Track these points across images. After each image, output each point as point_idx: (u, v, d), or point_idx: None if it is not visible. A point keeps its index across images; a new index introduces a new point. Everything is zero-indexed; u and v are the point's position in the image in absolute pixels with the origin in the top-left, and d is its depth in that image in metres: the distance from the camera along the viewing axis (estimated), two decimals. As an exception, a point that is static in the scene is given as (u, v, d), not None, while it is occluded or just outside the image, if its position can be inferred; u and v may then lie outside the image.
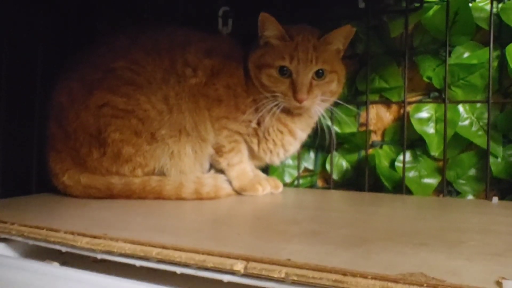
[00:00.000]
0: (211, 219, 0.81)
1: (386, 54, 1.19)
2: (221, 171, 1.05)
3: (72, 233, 0.64)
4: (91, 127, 0.98)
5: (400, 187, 1.13)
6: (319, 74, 0.98)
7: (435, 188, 1.14)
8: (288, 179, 1.29)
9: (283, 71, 0.97)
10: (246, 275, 0.51)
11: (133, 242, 0.60)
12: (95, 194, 0.97)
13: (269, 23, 0.97)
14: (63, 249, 0.64)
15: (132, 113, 0.97)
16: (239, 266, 0.51)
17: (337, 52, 1.02)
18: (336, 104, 1.07)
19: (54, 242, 0.65)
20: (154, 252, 0.57)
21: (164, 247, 0.57)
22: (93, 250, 0.61)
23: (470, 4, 1.09)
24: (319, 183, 1.29)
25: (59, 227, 0.66)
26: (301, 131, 1.07)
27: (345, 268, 0.48)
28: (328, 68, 0.98)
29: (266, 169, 1.23)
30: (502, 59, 1.08)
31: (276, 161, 1.10)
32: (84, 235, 0.64)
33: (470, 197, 1.12)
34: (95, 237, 0.63)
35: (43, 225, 0.68)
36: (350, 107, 1.15)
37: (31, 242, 0.67)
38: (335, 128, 1.23)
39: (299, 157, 1.27)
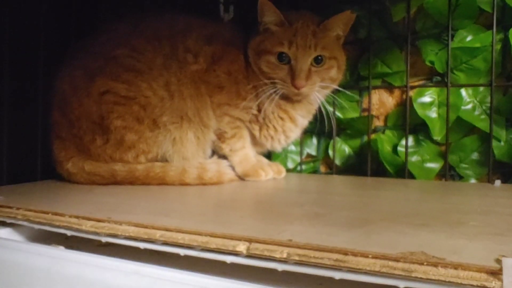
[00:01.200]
0: (214, 203, 0.82)
1: (388, 39, 1.19)
2: (223, 157, 1.06)
3: (77, 217, 0.65)
4: (94, 115, 0.98)
5: (402, 172, 1.13)
6: (318, 61, 0.97)
7: (437, 173, 1.14)
8: (290, 165, 1.30)
9: (282, 57, 0.97)
10: (248, 256, 0.52)
11: (137, 225, 0.60)
12: (99, 181, 0.98)
13: (268, 9, 0.97)
14: (68, 233, 0.65)
15: (133, 100, 0.97)
16: (242, 247, 0.52)
17: (337, 38, 1.02)
18: (338, 90, 1.07)
19: (59, 226, 0.65)
20: (158, 234, 0.58)
21: (167, 230, 0.58)
22: (97, 234, 0.62)
23: (473, -13, 1.08)
24: (322, 168, 1.29)
25: (64, 212, 0.67)
26: (302, 118, 1.07)
27: (346, 247, 0.48)
28: (328, 55, 0.98)
29: (269, 155, 1.23)
30: (505, 42, 1.07)
31: (278, 148, 1.11)
32: (88, 218, 0.64)
33: (472, 181, 1.12)
34: (99, 220, 0.63)
35: (48, 209, 0.69)
36: (350, 93, 1.15)
37: (36, 226, 0.68)
38: (338, 114, 1.23)
39: (301, 143, 1.27)
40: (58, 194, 0.90)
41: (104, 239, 0.62)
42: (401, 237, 0.54)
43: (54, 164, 1.03)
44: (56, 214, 0.67)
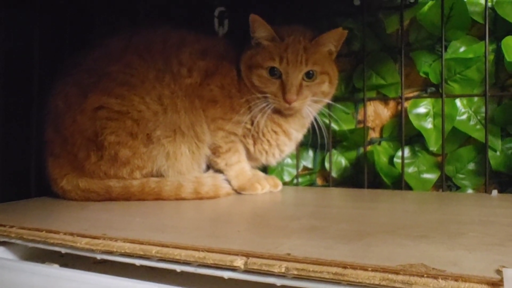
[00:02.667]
0: (210, 217, 0.81)
1: (382, 50, 1.20)
2: (219, 171, 1.05)
3: (72, 234, 0.64)
4: (88, 131, 0.98)
5: (399, 183, 1.12)
6: (309, 75, 0.98)
7: (434, 183, 1.14)
8: (287, 178, 1.29)
9: (273, 72, 0.98)
10: (246, 271, 0.51)
11: (132, 241, 0.59)
12: (94, 198, 0.97)
13: (259, 24, 0.98)
14: (63, 250, 0.64)
15: (127, 114, 0.97)
16: (239, 262, 0.51)
17: (329, 53, 1.03)
18: (333, 102, 1.07)
19: (53, 244, 0.64)
20: (154, 250, 0.57)
21: (163, 245, 0.57)
22: (92, 251, 0.61)
23: (465, -1, 1.10)
24: (319, 181, 1.29)
25: (58, 229, 0.66)
26: (296, 132, 1.07)
27: (345, 261, 0.48)
28: (319, 70, 0.99)
29: (265, 168, 1.23)
30: (498, 52, 1.08)
31: (272, 162, 1.11)
32: (83, 235, 0.63)
33: (469, 191, 1.12)
34: (94, 237, 0.62)
35: (42, 227, 0.68)
36: (343, 107, 1.15)
37: (30, 244, 0.67)
38: (333, 126, 1.23)
39: (297, 155, 1.27)
40: (52, 211, 0.89)
41: (99, 256, 0.61)
42: (400, 249, 0.53)
43: (48, 181, 1.02)
44: (50, 231, 0.66)
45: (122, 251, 0.59)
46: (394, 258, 0.49)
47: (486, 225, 0.67)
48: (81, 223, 0.73)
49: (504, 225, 0.67)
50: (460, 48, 1.12)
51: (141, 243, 0.59)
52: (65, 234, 0.65)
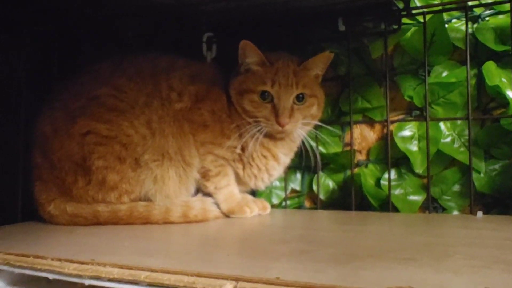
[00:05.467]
0: (199, 241, 0.81)
1: (368, 75, 1.22)
2: (208, 194, 1.05)
3: (59, 259, 0.64)
4: (76, 156, 0.97)
5: (386, 205, 1.14)
6: (300, 99, 1.00)
7: (420, 205, 1.15)
8: (275, 201, 1.29)
9: (265, 96, 0.99)
10: (236, 295, 0.51)
11: (121, 267, 0.59)
12: (82, 222, 0.96)
13: (249, 49, 0.99)
14: (50, 276, 0.63)
15: (115, 139, 0.97)
16: (229, 286, 0.51)
17: (315, 77, 1.05)
18: (320, 126, 1.09)
19: (41, 270, 0.64)
20: (143, 275, 0.56)
21: (152, 270, 0.57)
22: (80, 276, 0.60)
23: (446, 25, 1.13)
24: (307, 203, 1.30)
25: (46, 254, 0.66)
26: (284, 156, 1.08)
27: (335, 284, 0.48)
28: (308, 93, 1.01)
29: (253, 191, 1.23)
30: (480, 76, 1.11)
31: (261, 187, 1.11)
32: (71, 261, 0.63)
33: (455, 212, 1.13)
34: (82, 263, 0.62)
35: (29, 252, 0.67)
36: (332, 129, 1.17)
37: (17, 270, 0.66)
38: (321, 149, 1.24)
39: (286, 178, 1.28)
40: (39, 236, 0.87)
41: (87, 282, 0.60)
42: (388, 273, 0.54)
43: (36, 206, 1.00)
44: (37, 257, 0.65)
45: (111, 276, 0.58)
46: (382, 282, 0.49)
47: (472, 247, 0.68)
48: (69, 248, 0.72)
49: (490, 247, 0.68)
50: (443, 73, 1.15)
51: (130, 268, 0.58)
52: (52, 259, 0.64)
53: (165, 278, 0.55)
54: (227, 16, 1.18)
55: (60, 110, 1.00)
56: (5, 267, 0.67)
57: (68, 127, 0.98)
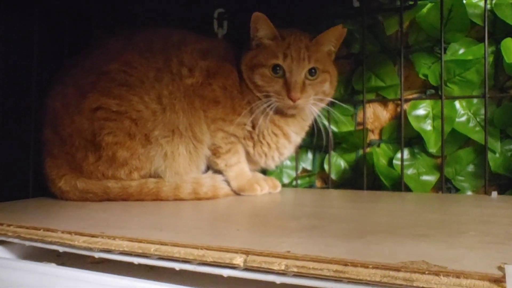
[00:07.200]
0: (209, 217, 0.81)
1: (382, 52, 1.20)
2: (218, 172, 1.05)
3: (70, 232, 0.64)
4: (86, 131, 0.97)
5: (399, 185, 1.12)
6: (312, 73, 0.98)
7: (434, 185, 1.14)
8: (286, 180, 1.29)
9: (276, 70, 0.97)
10: (246, 268, 0.51)
11: (131, 240, 0.59)
12: (92, 198, 0.97)
13: (262, 22, 0.98)
14: (61, 249, 0.63)
15: (125, 115, 0.96)
16: (239, 259, 0.51)
17: (328, 54, 1.03)
18: (332, 104, 1.07)
19: (51, 242, 0.64)
20: (153, 248, 0.56)
21: (162, 244, 0.56)
22: (90, 249, 0.60)
23: (464, 1, 1.09)
24: (318, 183, 1.29)
25: (56, 228, 0.66)
26: (295, 134, 1.07)
27: (346, 258, 0.47)
28: (321, 67, 0.99)
29: (264, 170, 1.23)
30: (497, 54, 1.08)
31: (271, 165, 1.10)
32: (81, 234, 0.63)
33: (469, 193, 1.11)
34: (92, 236, 0.62)
35: (39, 226, 0.67)
36: (347, 106, 1.15)
37: (28, 243, 0.66)
38: (333, 128, 1.23)
39: (297, 157, 1.27)
40: (50, 210, 0.88)
41: (97, 255, 0.60)
42: (401, 247, 0.53)
43: (46, 182, 1.01)
44: (48, 230, 0.66)
45: (121, 249, 0.58)
46: (395, 256, 0.48)
47: (486, 225, 0.66)
48: (79, 222, 0.72)
49: (505, 225, 0.66)
50: (459, 50, 1.12)
51: (140, 241, 0.58)
52: (62, 232, 0.64)
53: (175, 251, 0.55)
54: (239, -8, 1.16)
55: (70, 85, 1.00)
56: (16, 240, 0.67)
57: (78, 103, 0.97)
